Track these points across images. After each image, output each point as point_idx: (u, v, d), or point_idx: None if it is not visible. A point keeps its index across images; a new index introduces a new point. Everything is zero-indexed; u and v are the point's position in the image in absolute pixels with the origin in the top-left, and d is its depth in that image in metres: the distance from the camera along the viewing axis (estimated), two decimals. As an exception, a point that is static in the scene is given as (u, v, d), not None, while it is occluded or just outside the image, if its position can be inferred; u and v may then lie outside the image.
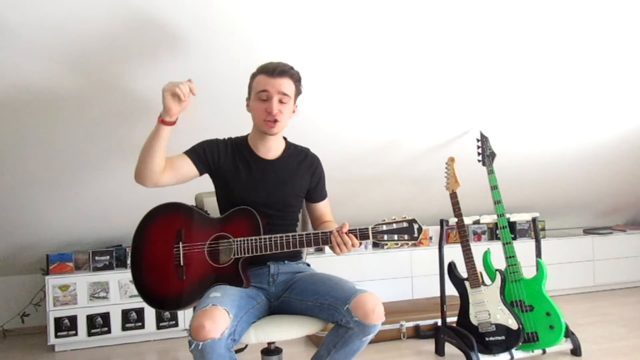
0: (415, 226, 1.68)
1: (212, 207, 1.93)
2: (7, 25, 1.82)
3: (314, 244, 1.69)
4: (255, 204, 1.77)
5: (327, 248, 2.62)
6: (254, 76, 1.83)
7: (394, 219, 1.69)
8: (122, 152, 2.53)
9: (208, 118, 2.40)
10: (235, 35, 2.09)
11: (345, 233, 1.65)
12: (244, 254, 1.70)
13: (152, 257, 1.77)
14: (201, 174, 1.85)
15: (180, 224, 1.77)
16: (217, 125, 2.19)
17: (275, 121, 1.78)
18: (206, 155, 1.83)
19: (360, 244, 1.72)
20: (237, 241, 1.71)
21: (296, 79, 1.82)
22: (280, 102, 1.78)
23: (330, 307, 1.65)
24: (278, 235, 1.70)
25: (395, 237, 1.68)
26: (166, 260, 1.75)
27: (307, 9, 2.06)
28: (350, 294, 1.62)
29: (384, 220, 1.69)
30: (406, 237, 1.68)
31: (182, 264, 1.73)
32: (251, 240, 1.70)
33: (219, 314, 1.50)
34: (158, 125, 1.71)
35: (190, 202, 1.94)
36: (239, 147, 1.88)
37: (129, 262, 3.05)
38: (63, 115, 2.26)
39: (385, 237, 1.67)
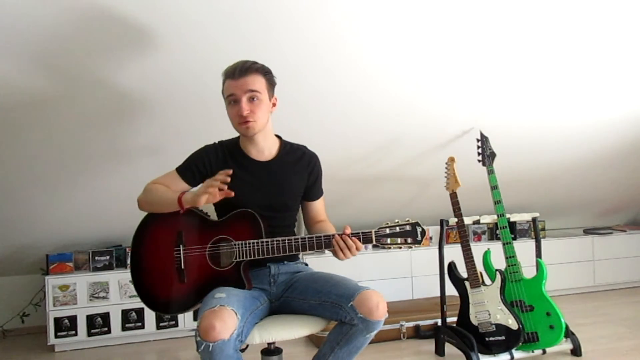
0: (419, 229, 1.67)
1: (208, 208, 1.91)
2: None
3: (316, 248, 1.68)
4: (252, 208, 1.75)
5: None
6: (223, 82, 1.79)
7: (397, 222, 1.69)
8: (119, 152, 2.53)
9: (202, 116, 2.40)
10: (232, 32, 2.08)
11: (349, 236, 1.65)
12: (246, 257, 1.69)
13: (152, 260, 1.76)
14: (195, 186, 1.84)
15: (180, 226, 1.76)
16: (210, 125, 2.19)
17: (249, 122, 1.73)
18: (199, 170, 1.81)
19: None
20: (238, 244, 1.70)
21: (263, 71, 1.76)
22: (251, 100, 1.73)
23: (334, 305, 1.65)
24: (280, 238, 1.69)
25: (399, 240, 1.67)
26: (167, 264, 1.74)
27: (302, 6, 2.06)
28: (354, 291, 1.62)
29: (387, 224, 1.68)
30: (409, 240, 1.67)
31: (182, 267, 1.73)
32: (253, 243, 1.69)
33: (228, 314, 1.49)
34: (174, 201, 1.70)
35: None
36: (231, 151, 1.84)
37: (129, 262, 3.07)
38: (57, 116, 2.26)
39: (388, 240, 1.67)
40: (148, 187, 1.80)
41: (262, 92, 1.75)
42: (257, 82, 1.74)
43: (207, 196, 1.63)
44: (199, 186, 1.71)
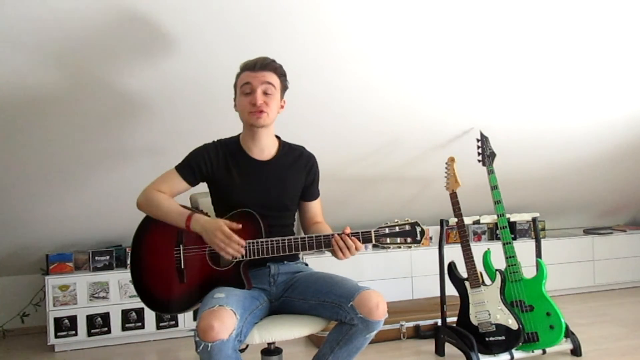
0: (418, 229, 1.68)
1: (207, 207, 1.91)
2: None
3: (316, 247, 1.68)
4: (252, 207, 1.75)
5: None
6: (237, 75, 1.83)
7: (397, 222, 1.69)
8: (119, 153, 2.53)
9: (202, 118, 2.40)
10: (230, 35, 2.08)
11: (348, 236, 1.65)
12: (246, 257, 1.69)
13: (152, 260, 1.76)
14: (195, 185, 1.84)
15: None
16: (209, 126, 2.19)
17: (261, 112, 1.75)
18: (199, 168, 1.80)
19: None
20: None
21: (280, 72, 1.81)
22: (265, 93, 1.76)
23: (334, 305, 1.65)
24: (280, 238, 1.69)
25: (398, 240, 1.68)
26: (167, 263, 1.74)
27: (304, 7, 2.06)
28: (354, 291, 1.62)
29: (387, 224, 1.69)
30: (409, 240, 1.68)
31: (182, 267, 1.73)
32: (253, 243, 1.69)
33: (227, 314, 1.49)
34: (181, 221, 1.70)
35: (186, 203, 1.92)
36: (231, 149, 1.84)
37: (129, 262, 3.07)
38: (56, 115, 2.26)
39: (388, 240, 1.67)
40: (151, 194, 1.77)
41: (276, 88, 1.79)
42: (273, 79, 1.79)
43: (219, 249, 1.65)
44: (211, 223, 1.68)
